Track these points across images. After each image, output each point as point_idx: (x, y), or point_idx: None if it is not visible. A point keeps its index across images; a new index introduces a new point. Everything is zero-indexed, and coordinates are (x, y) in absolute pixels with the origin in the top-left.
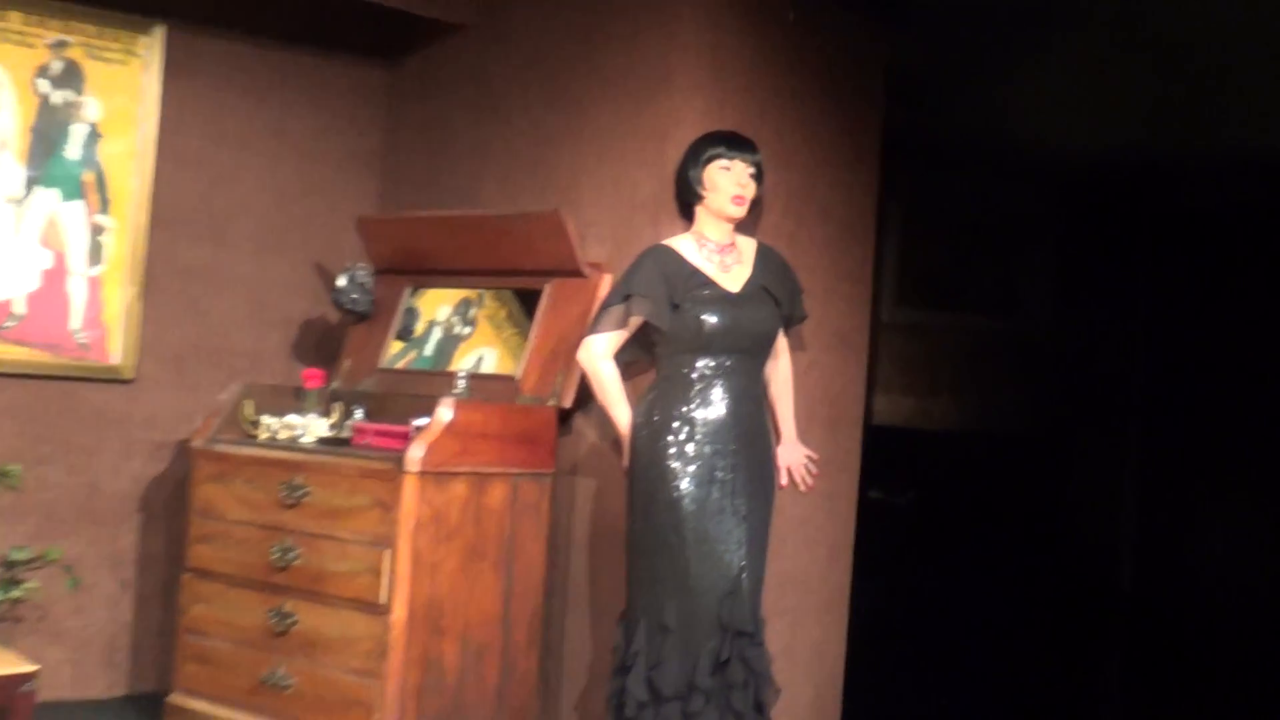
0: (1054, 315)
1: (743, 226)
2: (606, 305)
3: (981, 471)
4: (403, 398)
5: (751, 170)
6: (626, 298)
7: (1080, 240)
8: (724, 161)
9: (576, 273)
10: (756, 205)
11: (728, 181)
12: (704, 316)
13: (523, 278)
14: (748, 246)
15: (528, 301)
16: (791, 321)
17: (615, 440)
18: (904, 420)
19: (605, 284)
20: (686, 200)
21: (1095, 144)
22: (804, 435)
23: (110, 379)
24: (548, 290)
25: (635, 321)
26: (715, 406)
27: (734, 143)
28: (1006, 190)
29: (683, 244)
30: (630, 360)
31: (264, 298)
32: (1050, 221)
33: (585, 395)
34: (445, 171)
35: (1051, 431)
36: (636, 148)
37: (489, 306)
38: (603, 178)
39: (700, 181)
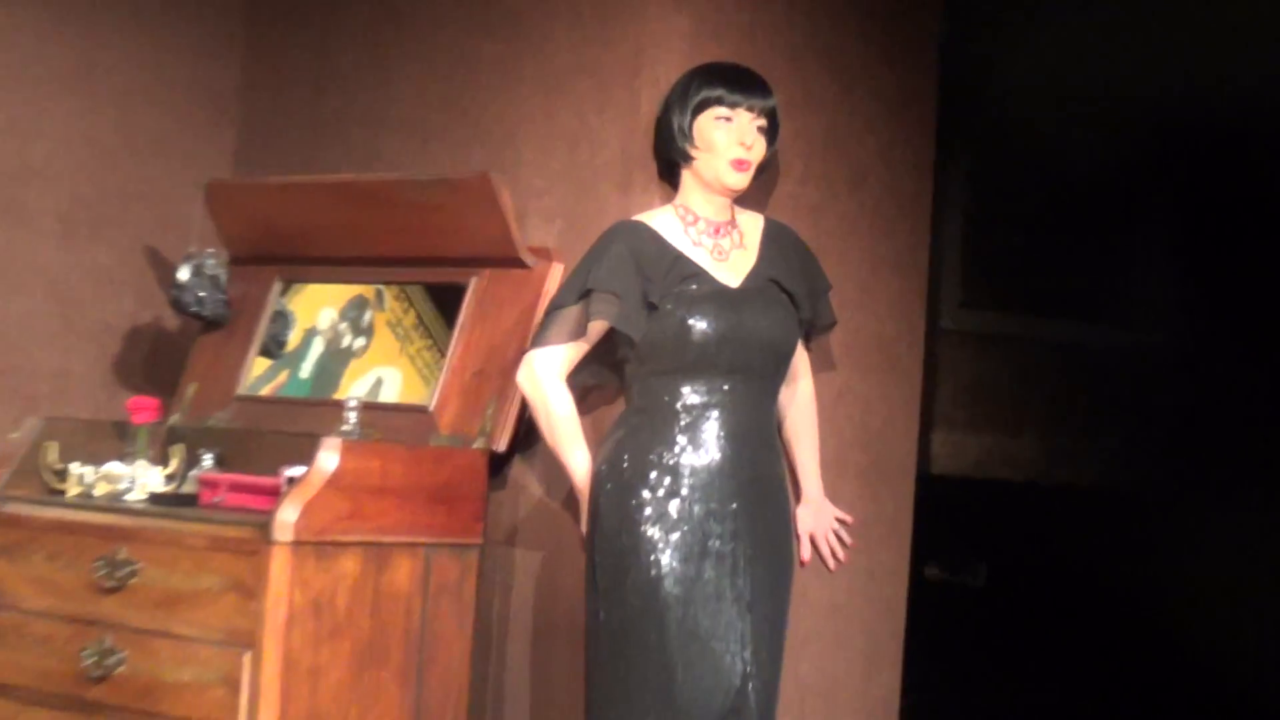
0: (1187, 323)
1: (747, 198)
2: (556, 306)
3: (1081, 541)
4: (270, 437)
5: (761, 122)
6: (585, 295)
7: (1227, 216)
8: (721, 110)
9: (514, 261)
10: (767, 169)
11: (726, 138)
12: (692, 321)
13: (439, 269)
14: (752, 225)
15: (446, 302)
16: (815, 329)
17: (570, 496)
18: (973, 468)
19: (555, 277)
20: (669, 160)
21: (1252, 78)
22: (833, 491)
23: None
24: (474, 286)
25: (597, 328)
26: (709, 449)
27: (737, 82)
28: (1118, 145)
29: (663, 221)
30: (591, 384)
31: (73, 297)
32: (1184, 190)
33: (528, 434)
34: (329, 121)
35: (1180, 487)
36: (598, 88)
37: (391, 309)
38: (552, 130)
39: (688, 136)
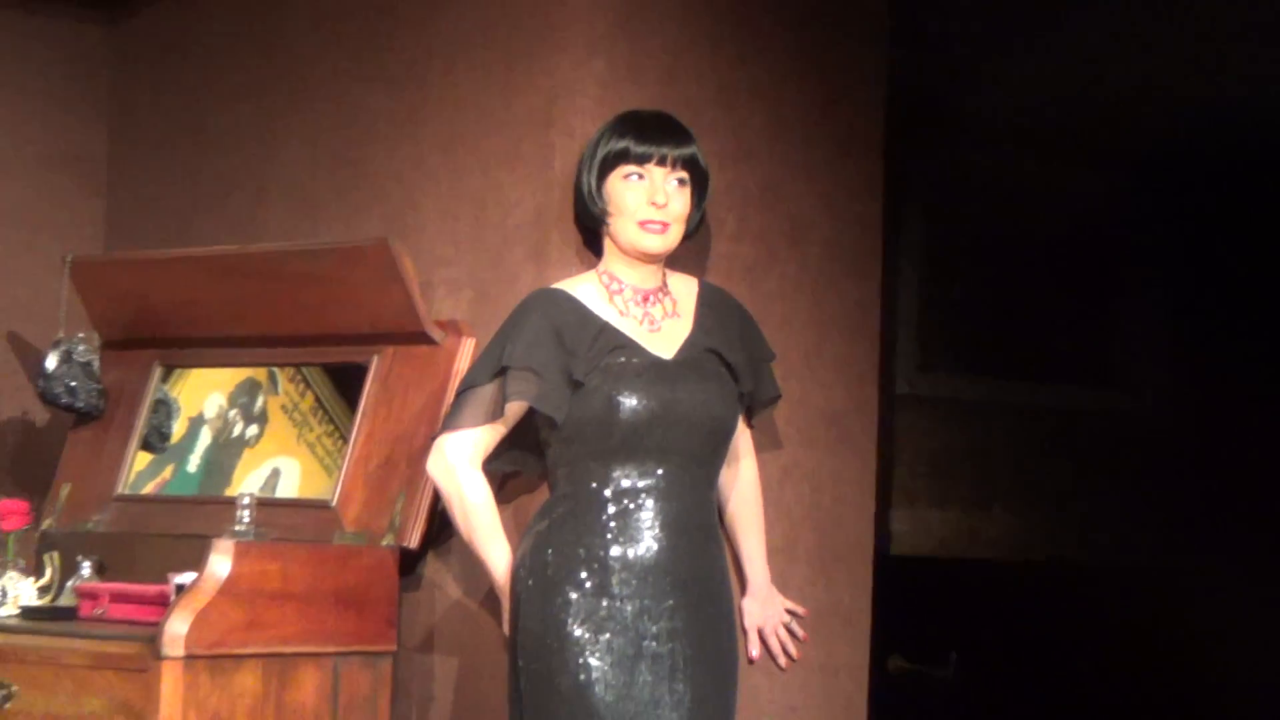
0: (1173, 383)
1: (679, 259)
2: (469, 386)
3: (1061, 624)
4: (155, 541)
5: (679, 174)
6: (500, 373)
7: (1207, 268)
8: (629, 166)
9: (420, 337)
10: (698, 227)
11: (636, 198)
12: (621, 398)
13: (338, 347)
14: (685, 290)
15: (347, 383)
16: (758, 403)
17: (491, 595)
18: (937, 547)
19: (466, 353)
20: (588, 224)
21: (1231, 119)
22: (782, 579)
23: None
24: (377, 365)
25: (515, 409)
26: (642, 541)
27: (646, 131)
28: (1095, 181)
29: (585, 289)
30: (510, 471)
31: None
32: (1170, 232)
33: (442, 528)
34: (207, 187)
35: (1169, 560)
36: (507, 143)
37: (286, 393)
38: (457, 191)
39: (599, 198)
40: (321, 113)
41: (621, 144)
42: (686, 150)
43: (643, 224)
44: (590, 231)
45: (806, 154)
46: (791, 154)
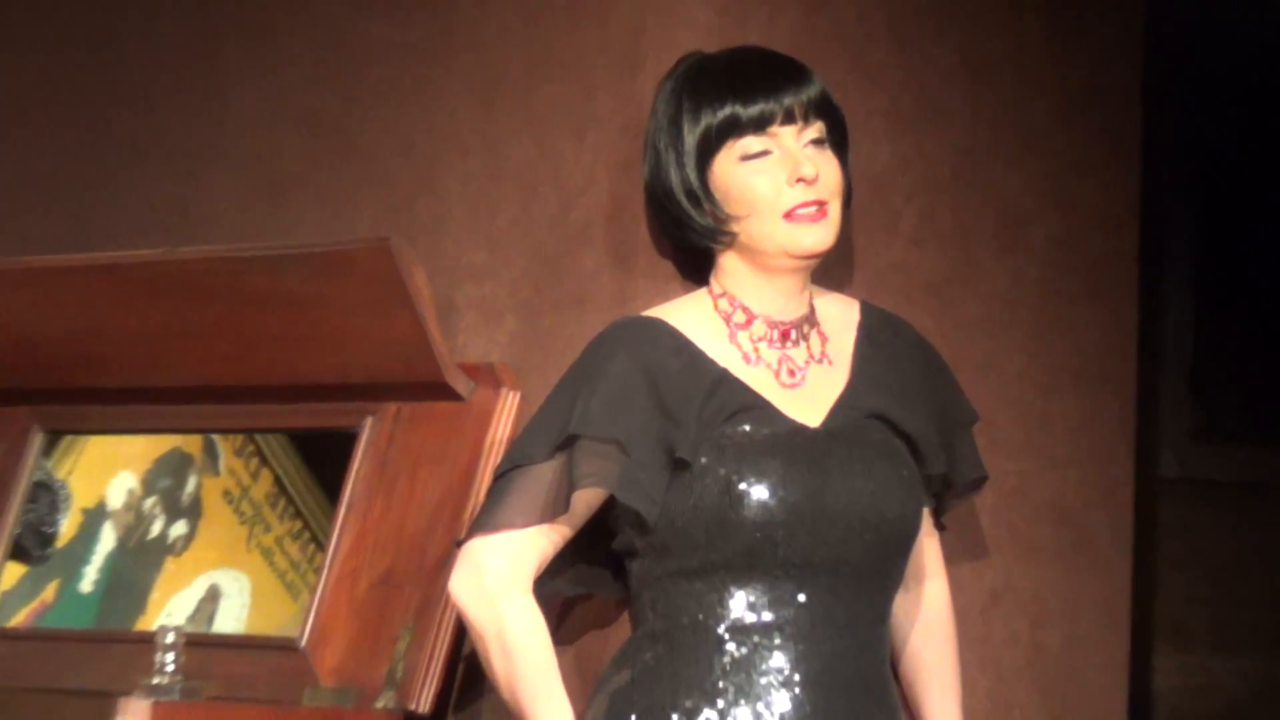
0: None
1: (825, 275)
2: (516, 464)
3: None
4: (29, 700)
5: (813, 132)
6: (565, 445)
7: None
8: (747, 140)
9: (438, 389)
10: (849, 201)
11: (772, 181)
12: (746, 486)
13: (312, 404)
14: (840, 319)
15: (324, 459)
16: (953, 493)
17: None
18: (1226, 710)
19: (510, 412)
20: (687, 242)
21: None
22: None
23: None
24: (372, 431)
25: (586, 502)
26: (774, 702)
27: (748, 80)
28: None
29: (693, 319)
30: (574, 594)
31: None
32: None
33: (469, 680)
34: (118, 156)
35: None
36: (573, 94)
37: (231, 472)
38: (496, 168)
39: (707, 199)
40: (289, 49)
41: (725, 110)
42: (814, 90)
43: (791, 214)
44: (689, 251)
45: (1024, 113)
46: (1003, 114)
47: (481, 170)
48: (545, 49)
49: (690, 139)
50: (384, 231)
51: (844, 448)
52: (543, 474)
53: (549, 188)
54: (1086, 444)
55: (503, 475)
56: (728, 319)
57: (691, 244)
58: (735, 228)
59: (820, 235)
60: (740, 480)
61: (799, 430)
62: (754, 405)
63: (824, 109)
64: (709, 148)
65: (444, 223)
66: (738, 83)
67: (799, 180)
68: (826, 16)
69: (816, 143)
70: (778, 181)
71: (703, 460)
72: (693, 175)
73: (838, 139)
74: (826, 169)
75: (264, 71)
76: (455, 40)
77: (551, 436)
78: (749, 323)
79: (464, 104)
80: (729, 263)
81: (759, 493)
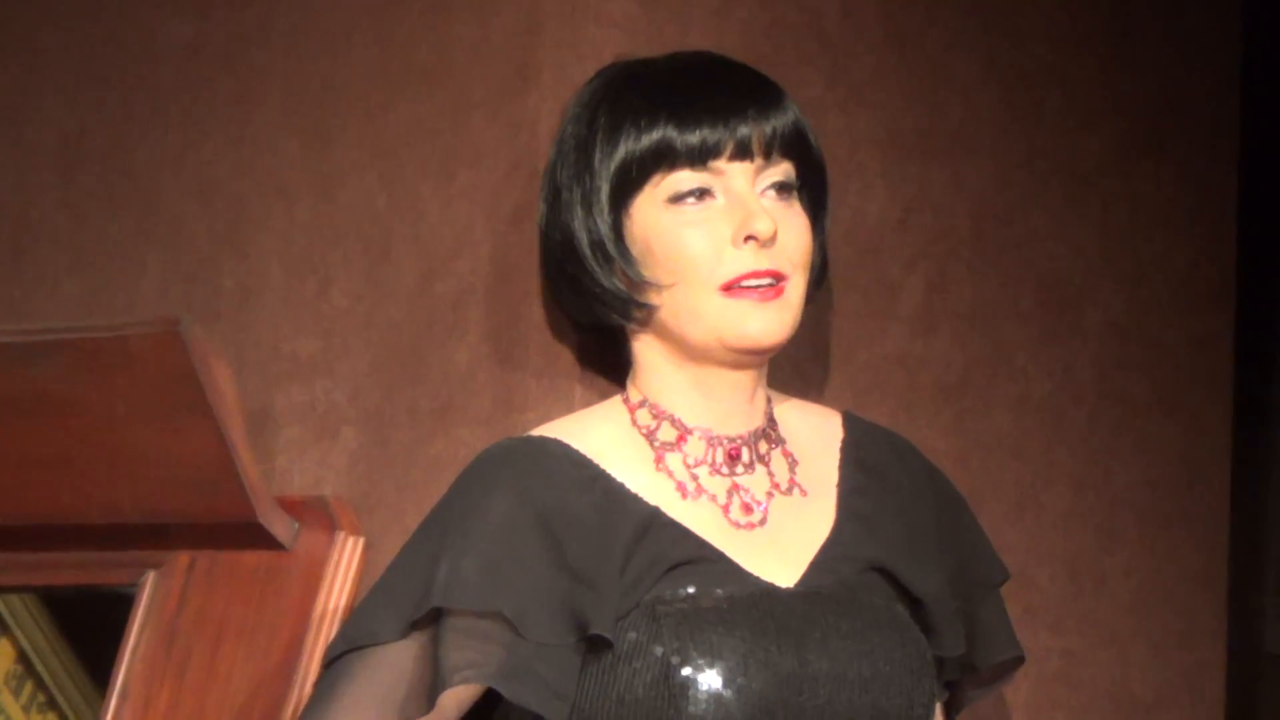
0: None
1: (794, 373)
2: (357, 644)
3: None
4: None
5: (777, 174)
6: (428, 620)
7: None
8: (679, 176)
9: (249, 531)
10: (823, 278)
11: (708, 237)
12: (690, 671)
13: (74, 552)
14: (812, 430)
15: (86, 629)
16: (975, 679)
17: None
18: None
19: (350, 566)
20: (588, 315)
21: None
22: None
23: None
24: (154, 591)
25: (458, 701)
26: None
27: (692, 104)
28: None
29: (605, 437)
30: None
31: None
32: None
33: None
34: None
35: None
36: (428, 120)
37: None
38: (331, 225)
39: (618, 247)
40: (42, 52)
41: (653, 132)
42: (784, 119)
43: (733, 286)
44: (599, 334)
45: (1079, 149)
46: (1048, 149)
47: (310, 222)
48: (401, 52)
49: (603, 170)
50: (172, 309)
51: (829, 617)
52: (395, 659)
53: (405, 248)
54: (1159, 612)
55: (338, 658)
56: (651, 436)
57: (597, 321)
58: (655, 298)
59: (771, 323)
60: (684, 664)
61: (766, 592)
62: (699, 557)
63: (795, 145)
64: (627, 182)
65: (257, 297)
66: (675, 98)
67: (748, 238)
68: (799, 10)
69: (781, 189)
70: (718, 238)
71: (630, 636)
72: (602, 220)
73: (813, 190)
74: (789, 228)
75: (3, 83)
76: (274, 41)
77: (407, 607)
78: (681, 441)
79: (287, 129)
80: (647, 353)
81: (709, 681)
